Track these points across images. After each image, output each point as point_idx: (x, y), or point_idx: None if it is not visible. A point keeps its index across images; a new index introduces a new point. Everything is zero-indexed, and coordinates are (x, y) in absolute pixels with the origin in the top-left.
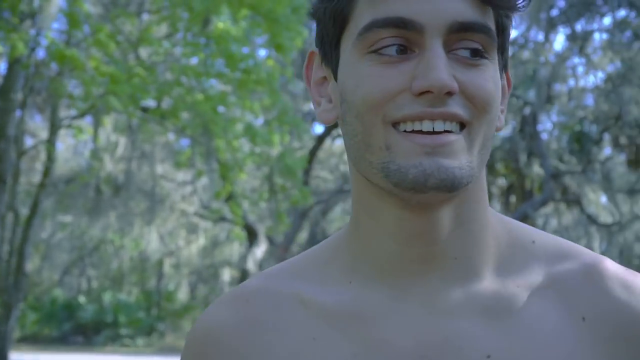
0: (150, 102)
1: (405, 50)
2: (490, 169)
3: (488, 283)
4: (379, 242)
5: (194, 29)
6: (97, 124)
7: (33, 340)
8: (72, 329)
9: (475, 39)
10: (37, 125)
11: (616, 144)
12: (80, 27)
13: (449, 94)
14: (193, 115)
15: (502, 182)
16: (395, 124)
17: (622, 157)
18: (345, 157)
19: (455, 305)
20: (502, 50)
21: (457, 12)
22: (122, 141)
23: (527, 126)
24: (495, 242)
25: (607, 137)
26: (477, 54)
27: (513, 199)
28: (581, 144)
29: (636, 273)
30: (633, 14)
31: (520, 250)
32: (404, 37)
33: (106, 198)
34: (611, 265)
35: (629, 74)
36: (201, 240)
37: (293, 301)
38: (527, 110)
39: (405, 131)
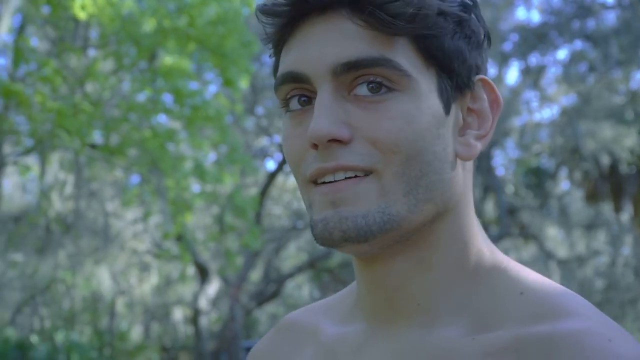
0: (98, 139)
1: (310, 100)
2: None
3: (447, 333)
4: (359, 286)
5: (140, 65)
6: (43, 162)
7: None
8: None
9: (373, 74)
10: None
11: (573, 179)
12: (27, 61)
13: (337, 142)
14: (141, 152)
15: None
16: (311, 181)
17: (579, 193)
18: (298, 193)
19: (410, 352)
20: (448, 71)
21: (340, 54)
22: (70, 179)
23: (482, 161)
24: (474, 289)
25: (563, 171)
26: (379, 88)
27: None
28: (538, 178)
29: (620, 354)
30: (589, 46)
31: (501, 301)
32: (302, 88)
33: (56, 237)
34: (589, 338)
35: (585, 107)
36: (154, 279)
37: (311, 334)
38: None
39: (317, 183)
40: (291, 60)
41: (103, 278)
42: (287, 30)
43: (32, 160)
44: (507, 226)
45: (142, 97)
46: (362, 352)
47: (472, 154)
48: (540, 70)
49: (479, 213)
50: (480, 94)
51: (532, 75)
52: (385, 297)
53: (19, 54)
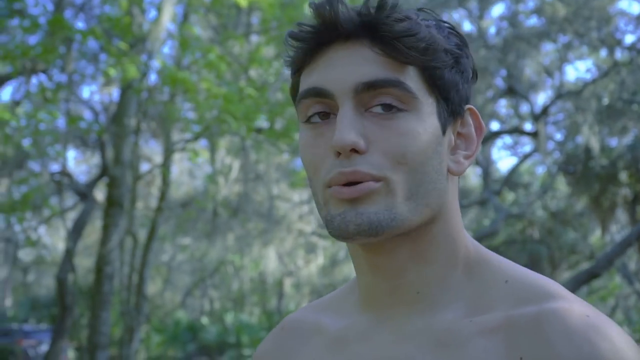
0: (263, 123)
1: (328, 115)
2: (613, 178)
3: (446, 317)
4: (363, 277)
5: None
6: (212, 147)
7: None
8: (196, 350)
9: (387, 94)
10: (151, 149)
11: None
12: (192, 50)
13: (356, 151)
14: None
15: (626, 192)
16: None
17: None
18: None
19: (414, 334)
20: (445, 98)
21: (361, 74)
22: (236, 163)
23: None
24: (465, 280)
25: None
26: (391, 107)
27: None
28: None
29: (597, 326)
30: None
31: (489, 289)
32: (324, 103)
33: (224, 220)
34: (571, 315)
35: None
36: (320, 260)
37: (313, 329)
38: None
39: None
40: (316, 78)
41: (270, 260)
42: (311, 54)
43: (198, 147)
44: None
45: None
46: (369, 337)
47: (461, 170)
48: None
49: None
50: (468, 120)
51: None
52: (389, 285)
53: (183, 42)
